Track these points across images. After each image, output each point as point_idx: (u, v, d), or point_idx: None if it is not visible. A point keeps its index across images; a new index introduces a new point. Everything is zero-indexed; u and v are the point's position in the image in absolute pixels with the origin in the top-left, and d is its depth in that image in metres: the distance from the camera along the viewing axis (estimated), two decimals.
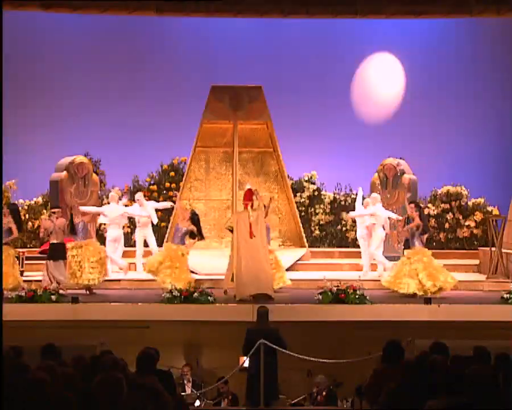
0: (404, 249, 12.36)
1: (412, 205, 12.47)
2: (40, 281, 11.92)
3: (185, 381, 10.81)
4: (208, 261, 14.05)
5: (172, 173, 16.82)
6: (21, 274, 13.25)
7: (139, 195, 14.29)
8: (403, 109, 17.80)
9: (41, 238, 13.10)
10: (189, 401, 9.95)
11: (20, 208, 15.93)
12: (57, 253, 11.98)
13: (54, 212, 12.37)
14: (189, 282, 11.77)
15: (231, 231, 12.39)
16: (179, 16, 16.09)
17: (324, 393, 10.21)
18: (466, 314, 11.00)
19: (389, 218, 13.92)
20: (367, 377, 6.78)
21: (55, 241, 12.03)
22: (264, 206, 12.33)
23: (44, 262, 12.23)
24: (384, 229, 13.62)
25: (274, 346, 9.23)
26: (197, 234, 12.37)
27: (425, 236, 12.53)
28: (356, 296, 11.20)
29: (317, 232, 16.52)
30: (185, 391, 10.54)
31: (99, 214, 13.69)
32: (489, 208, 16.39)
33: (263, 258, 11.83)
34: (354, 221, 15.06)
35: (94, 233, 13.54)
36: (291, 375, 10.41)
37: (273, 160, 15.82)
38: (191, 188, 15.77)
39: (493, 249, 13.63)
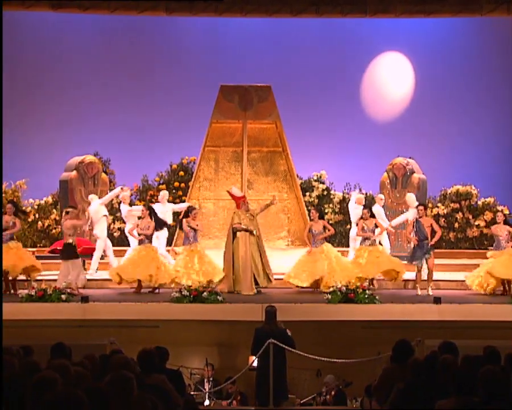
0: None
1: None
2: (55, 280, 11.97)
3: (204, 381, 10.81)
4: (217, 260, 14.02)
5: (181, 173, 16.84)
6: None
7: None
8: (412, 108, 17.77)
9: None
10: (199, 400, 9.96)
11: (30, 207, 16.06)
12: (68, 253, 12.00)
13: (67, 212, 12.35)
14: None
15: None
16: (188, 16, 16.13)
17: (333, 392, 10.20)
18: (475, 314, 10.97)
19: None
20: (376, 376, 6.78)
21: (68, 241, 12.03)
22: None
23: (51, 261, 12.33)
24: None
25: (283, 346, 9.23)
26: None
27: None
28: (366, 296, 11.19)
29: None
30: (197, 390, 10.54)
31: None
32: (499, 207, 16.34)
33: None
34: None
35: None
36: (300, 375, 10.41)
37: (282, 160, 15.81)
38: (200, 187, 15.78)
39: None
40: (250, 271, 12.23)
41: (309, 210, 16.09)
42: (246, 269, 12.21)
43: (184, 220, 12.50)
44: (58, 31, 17.17)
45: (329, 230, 12.79)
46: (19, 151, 15.87)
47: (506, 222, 12.34)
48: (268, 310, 9.53)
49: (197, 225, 12.48)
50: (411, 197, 13.99)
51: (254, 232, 12.46)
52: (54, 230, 15.89)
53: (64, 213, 12.49)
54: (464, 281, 12.71)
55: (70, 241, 11.94)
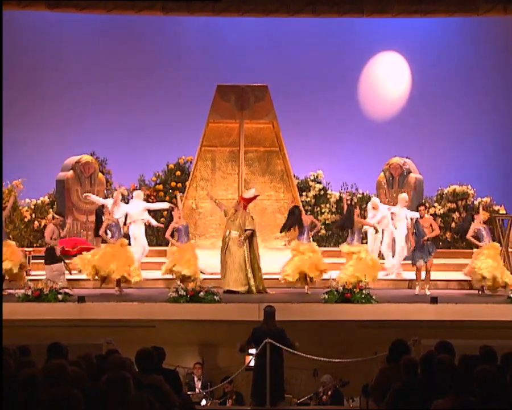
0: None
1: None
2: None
3: (195, 380, 10.82)
4: (214, 260, 14.02)
5: (178, 173, 16.83)
6: (27, 273, 13.29)
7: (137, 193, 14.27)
8: (409, 108, 17.77)
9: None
10: (196, 400, 9.96)
11: (26, 207, 16.05)
12: (48, 257, 12.06)
13: (53, 217, 12.45)
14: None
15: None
16: (185, 15, 16.11)
17: (330, 392, 10.21)
18: (472, 314, 10.98)
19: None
20: (373, 376, 6.79)
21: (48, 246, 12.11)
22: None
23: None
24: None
25: (280, 346, 9.22)
26: None
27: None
28: (362, 296, 11.20)
29: (323, 231, 16.50)
30: (193, 390, 10.54)
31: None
32: (496, 207, 16.35)
33: None
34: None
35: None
36: (297, 374, 10.41)
37: (279, 160, 15.80)
38: (197, 187, 15.76)
39: (500, 248, 13.59)
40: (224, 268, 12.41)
41: (306, 211, 16.10)
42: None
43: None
44: (57, 31, 17.13)
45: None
46: (15, 150, 15.84)
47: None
48: (266, 310, 9.52)
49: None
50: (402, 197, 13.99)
51: (233, 234, 12.47)
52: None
53: (50, 217, 12.62)
54: (462, 280, 12.76)
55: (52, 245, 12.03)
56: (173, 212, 12.90)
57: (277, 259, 13.17)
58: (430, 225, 12.38)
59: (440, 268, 13.54)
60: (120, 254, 12.05)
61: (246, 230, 12.48)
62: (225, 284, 12.31)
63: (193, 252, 12.54)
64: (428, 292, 12.00)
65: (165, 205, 14.36)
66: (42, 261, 13.40)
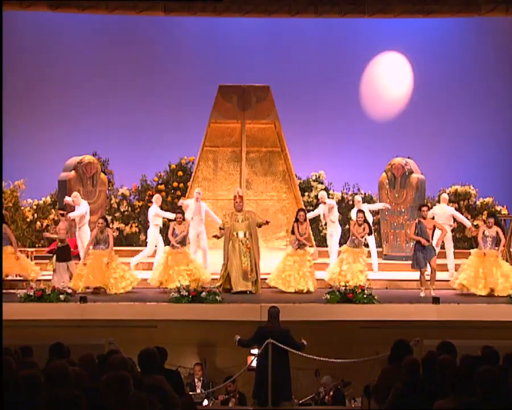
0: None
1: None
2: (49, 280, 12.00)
3: (196, 380, 10.83)
4: (216, 260, 14.02)
5: (180, 173, 16.84)
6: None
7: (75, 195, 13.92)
8: (411, 108, 17.78)
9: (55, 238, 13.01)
10: (198, 401, 9.96)
11: (28, 207, 16.06)
12: (63, 255, 12.07)
13: (62, 214, 12.53)
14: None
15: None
16: (187, 16, 16.13)
17: (332, 393, 10.20)
18: (474, 314, 10.98)
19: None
20: (375, 376, 6.79)
21: (61, 244, 12.13)
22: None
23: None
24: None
25: (284, 347, 9.21)
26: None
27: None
28: (364, 296, 11.20)
29: (325, 231, 16.48)
30: (194, 390, 10.55)
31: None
32: (498, 208, 16.34)
33: None
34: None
35: None
36: (299, 375, 10.41)
37: (281, 160, 15.82)
38: (199, 187, 15.77)
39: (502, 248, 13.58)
40: (235, 271, 12.26)
41: (308, 211, 16.10)
42: (232, 269, 12.29)
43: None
44: (58, 30, 17.16)
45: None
46: (17, 150, 15.87)
47: (496, 223, 12.42)
48: (271, 311, 9.50)
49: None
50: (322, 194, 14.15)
51: (239, 234, 12.40)
52: (53, 231, 15.89)
53: (59, 215, 12.67)
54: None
55: (66, 243, 12.05)
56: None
57: (279, 259, 13.16)
58: (433, 226, 12.33)
59: (442, 268, 13.53)
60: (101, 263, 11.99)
61: (260, 225, 12.45)
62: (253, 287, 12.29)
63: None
64: (433, 293, 11.91)
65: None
66: (44, 261, 13.45)
